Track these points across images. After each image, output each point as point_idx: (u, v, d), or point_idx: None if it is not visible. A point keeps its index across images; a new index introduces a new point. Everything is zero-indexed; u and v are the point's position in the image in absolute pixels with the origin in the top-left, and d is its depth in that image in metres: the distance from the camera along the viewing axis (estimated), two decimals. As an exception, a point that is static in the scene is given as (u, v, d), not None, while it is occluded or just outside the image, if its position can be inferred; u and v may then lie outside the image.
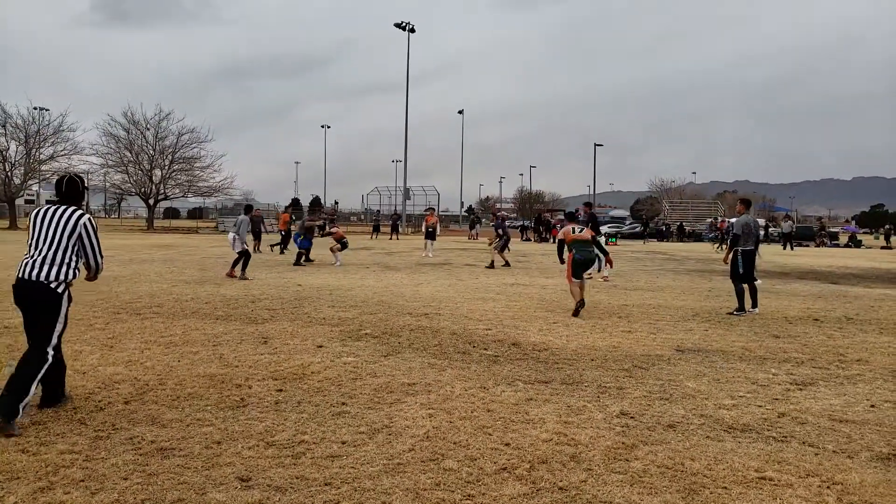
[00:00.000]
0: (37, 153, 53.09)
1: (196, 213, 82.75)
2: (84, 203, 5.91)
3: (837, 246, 45.89)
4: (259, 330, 8.29)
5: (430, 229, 24.23)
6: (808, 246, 45.20)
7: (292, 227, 25.01)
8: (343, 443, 4.37)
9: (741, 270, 10.60)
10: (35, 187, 72.43)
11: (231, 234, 15.72)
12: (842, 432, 4.80)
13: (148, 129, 53.83)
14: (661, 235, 51.95)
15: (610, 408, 5.27)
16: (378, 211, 70.23)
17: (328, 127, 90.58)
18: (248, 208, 17.26)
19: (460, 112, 79.45)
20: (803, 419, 5.08)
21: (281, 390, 5.58)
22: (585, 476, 3.89)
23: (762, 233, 22.06)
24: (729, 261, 10.80)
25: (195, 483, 3.70)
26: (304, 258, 19.20)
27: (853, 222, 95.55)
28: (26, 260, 4.80)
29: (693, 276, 17.93)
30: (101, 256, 5.03)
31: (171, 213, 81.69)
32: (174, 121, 54.62)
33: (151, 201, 54.74)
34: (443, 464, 4.04)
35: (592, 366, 6.72)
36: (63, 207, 4.88)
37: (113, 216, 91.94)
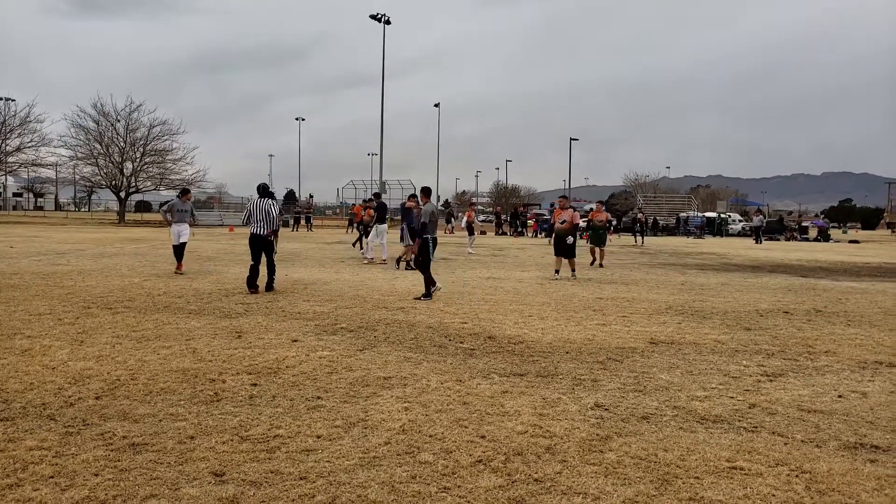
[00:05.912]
0: (3, 144, 51.98)
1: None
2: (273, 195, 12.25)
3: (807, 240, 46.72)
4: (233, 324, 8.22)
5: (471, 224, 26.23)
6: (778, 239, 45.97)
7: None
8: (318, 437, 4.35)
9: (431, 258, 11.16)
10: (1, 178, 70.82)
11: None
12: (810, 422, 4.89)
13: (118, 121, 52.89)
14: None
15: (584, 400, 5.31)
16: (353, 205, 69.88)
17: (303, 119, 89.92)
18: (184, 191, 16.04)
19: (436, 105, 78.99)
20: (773, 410, 5.16)
21: (255, 385, 5.54)
22: (560, 468, 3.92)
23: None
24: (416, 250, 11.13)
25: (168, 478, 3.66)
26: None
27: (822, 217, 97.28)
28: (254, 227, 11.25)
29: (666, 269, 18.13)
30: (279, 221, 11.82)
31: (143, 207, 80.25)
32: (145, 112, 53.81)
33: (122, 194, 53.87)
34: (419, 457, 4.04)
35: (567, 358, 6.77)
36: (265, 199, 11.41)
37: (83, 209, 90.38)
